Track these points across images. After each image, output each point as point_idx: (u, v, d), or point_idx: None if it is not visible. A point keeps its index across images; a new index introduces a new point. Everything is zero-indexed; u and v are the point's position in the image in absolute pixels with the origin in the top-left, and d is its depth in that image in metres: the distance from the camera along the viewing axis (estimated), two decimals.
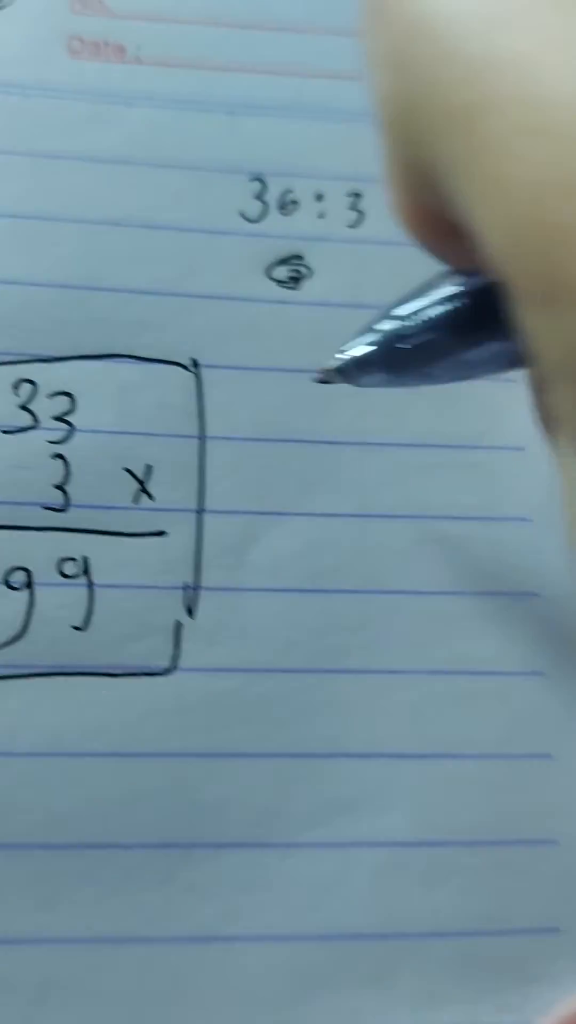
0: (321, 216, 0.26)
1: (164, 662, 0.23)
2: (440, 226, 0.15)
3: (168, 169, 0.26)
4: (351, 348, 0.20)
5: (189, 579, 0.23)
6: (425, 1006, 0.21)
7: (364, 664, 0.23)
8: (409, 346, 0.19)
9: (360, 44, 0.15)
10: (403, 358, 0.19)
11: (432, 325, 0.18)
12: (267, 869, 0.22)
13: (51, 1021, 0.21)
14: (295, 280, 0.26)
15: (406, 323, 0.19)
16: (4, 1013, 0.21)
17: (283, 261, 0.26)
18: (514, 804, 0.23)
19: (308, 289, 0.26)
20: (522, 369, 0.17)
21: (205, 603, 0.23)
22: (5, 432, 0.24)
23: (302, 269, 0.26)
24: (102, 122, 0.26)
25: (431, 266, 0.23)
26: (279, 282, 0.26)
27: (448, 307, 0.18)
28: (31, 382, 0.24)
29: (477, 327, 0.17)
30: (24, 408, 0.24)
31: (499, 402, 0.25)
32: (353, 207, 0.26)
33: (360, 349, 0.20)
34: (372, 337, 0.20)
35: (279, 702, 0.23)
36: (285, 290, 0.26)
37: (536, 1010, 0.22)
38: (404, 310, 0.19)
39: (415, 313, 0.19)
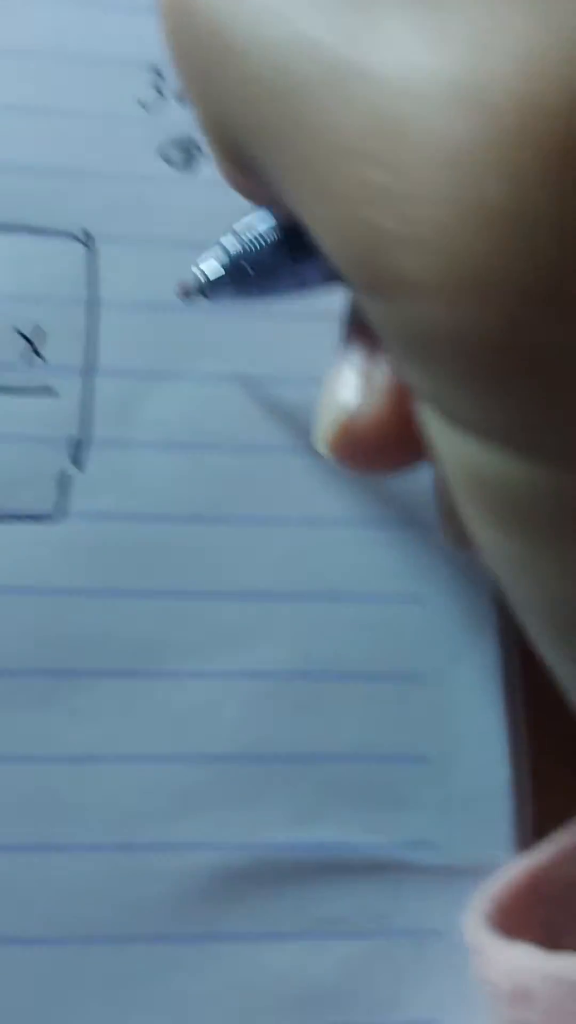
0: None
1: (48, 508, 0.23)
2: (258, 191, 0.16)
3: (69, 59, 0.26)
4: (202, 264, 0.21)
5: (74, 432, 0.24)
6: (296, 825, 0.22)
7: (246, 512, 0.23)
8: (248, 266, 0.19)
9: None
10: (246, 276, 0.20)
11: (267, 245, 0.19)
12: (146, 696, 0.22)
13: None
14: (187, 161, 0.26)
15: (246, 240, 0.19)
16: None
17: (178, 145, 0.26)
18: (384, 642, 0.23)
19: (200, 171, 0.26)
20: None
21: (95, 456, 0.23)
22: None
23: (194, 151, 0.26)
24: (6, 15, 0.27)
25: None
26: (171, 163, 0.26)
27: (273, 224, 0.19)
28: None
29: (305, 246, 0.18)
30: None
31: None
32: None
33: (211, 267, 0.20)
34: (220, 255, 0.20)
35: (162, 548, 0.23)
36: (179, 172, 0.26)
37: (405, 831, 0.22)
38: (243, 226, 0.19)
39: (253, 233, 0.19)
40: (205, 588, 0.23)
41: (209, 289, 0.21)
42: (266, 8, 0.13)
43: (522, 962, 0.18)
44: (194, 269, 0.21)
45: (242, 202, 0.23)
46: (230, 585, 0.23)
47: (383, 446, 0.18)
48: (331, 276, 0.17)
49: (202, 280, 0.20)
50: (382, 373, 0.17)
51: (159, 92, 0.26)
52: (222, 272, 0.20)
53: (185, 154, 0.26)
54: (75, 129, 0.26)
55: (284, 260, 0.19)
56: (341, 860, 0.22)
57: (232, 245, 0.20)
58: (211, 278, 0.20)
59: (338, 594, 0.23)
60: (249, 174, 0.15)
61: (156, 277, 0.25)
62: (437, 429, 0.13)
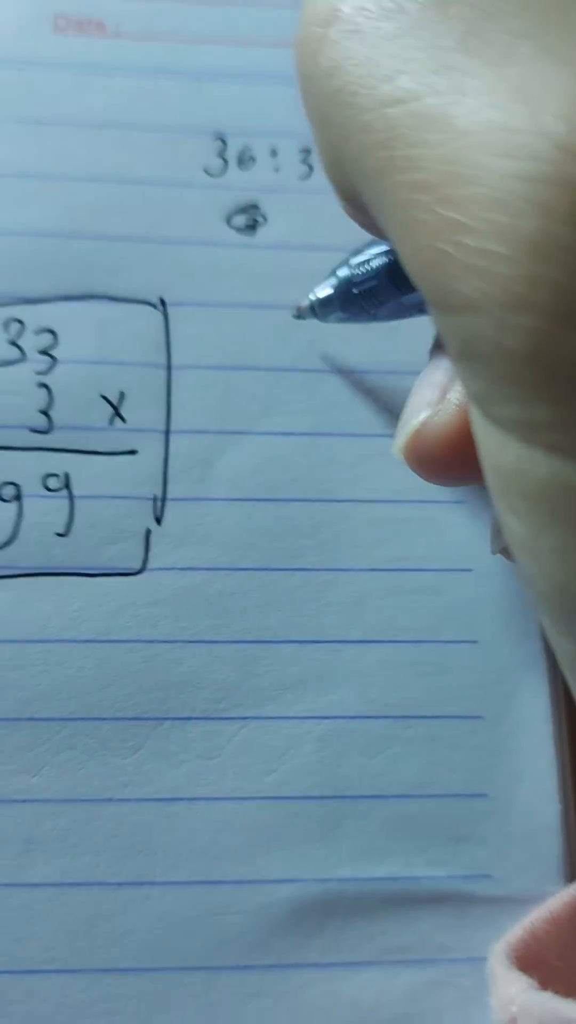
0: (276, 170, 0.26)
1: (136, 564, 0.23)
2: (366, 221, 0.17)
3: (141, 131, 0.26)
4: (316, 291, 0.22)
5: (158, 491, 0.24)
6: (365, 860, 0.22)
7: (314, 563, 0.23)
8: (358, 291, 0.20)
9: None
10: (355, 300, 0.21)
11: (374, 274, 0.20)
12: (226, 739, 0.22)
13: (36, 872, 0.21)
14: (252, 227, 0.26)
15: (356, 271, 0.20)
16: None
17: (242, 210, 0.26)
18: (444, 684, 0.23)
19: (263, 235, 0.26)
20: None
21: (172, 512, 0.23)
22: None
23: (258, 217, 0.26)
24: (84, 90, 0.27)
25: None
26: (238, 229, 0.26)
27: (386, 260, 0.20)
28: (19, 321, 0.24)
29: (407, 278, 0.18)
30: (13, 344, 0.24)
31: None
32: (304, 161, 0.26)
33: (324, 291, 0.22)
34: (332, 281, 0.22)
35: (238, 596, 0.23)
36: (243, 236, 0.26)
37: (463, 865, 0.22)
38: (356, 259, 0.21)
39: (363, 263, 0.20)
40: (277, 636, 0.23)
41: (320, 310, 0.22)
42: (377, 68, 0.14)
43: (513, 994, 0.18)
44: (310, 294, 0.22)
45: (302, 265, 0.23)
46: (301, 633, 0.23)
47: (449, 455, 0.18)
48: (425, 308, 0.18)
49: (314, 302, 0.22)
50: (458, 391, 0.18)
51: (223, 159, 0.26)
52: (331, 295, 0.21)
53: (249, 219, 0.25)
54: (146, 197, 0.26)
55: (388, 288, 0.20)
56: (407, 893, 0.22)
57: (343, 273, 0.21)
58: (321, 300, 0.22)
59: (401, 639, 0.23)
60: (362, 210, 0.16)
61: (225, 339, 0.25)
62: (480, 430, 0.14)
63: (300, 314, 0.23)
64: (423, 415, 0.18)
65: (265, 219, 0.26)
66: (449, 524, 0.24)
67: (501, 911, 0.21)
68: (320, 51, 0.15)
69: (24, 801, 0.21)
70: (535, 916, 0.20)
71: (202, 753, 0.22)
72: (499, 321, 0.12)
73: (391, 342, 0.25)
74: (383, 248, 0.20)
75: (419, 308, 0.20)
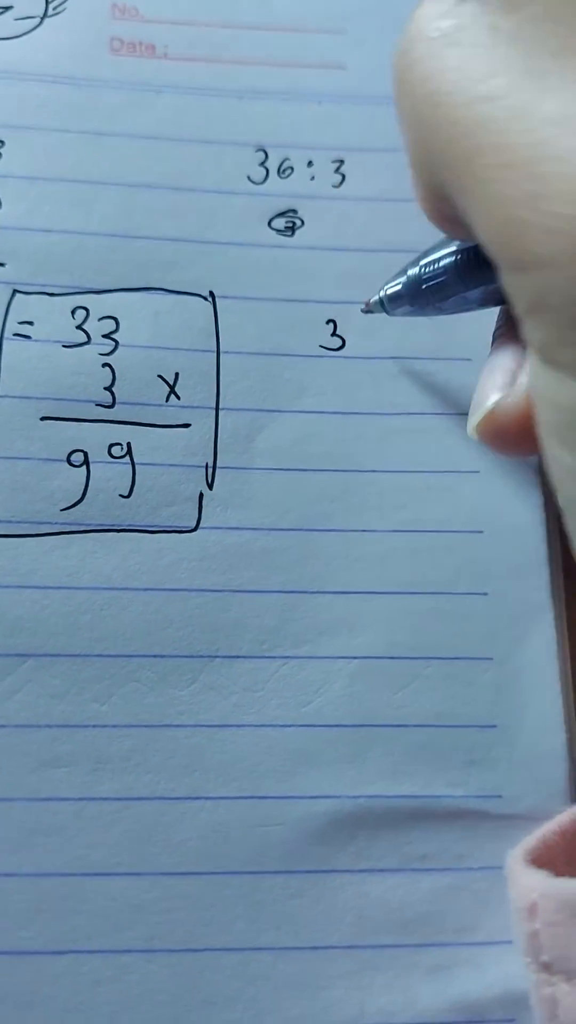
0: (312, 179, 0.29)
1: (190, 523, 0.25)
2: (448, 216, 0.19)
3: (190, 143, 0.29)
4: (387, 286, 0.24)
5: (209, 460, 0.26)
6: (390, 780, 0.24)
7: (343, 525, 0.26)
8: (426, 287, 0.23)
9: (394, 105, 0.19)
10: (423, 295, 0.23)
11: (443, 271, 0.22)
12: (268, 675, 0.24)
13: (105, 788, 0.23)
14: (291, 229, 0.28)
15: (425, 269, 0.23)
16: (68, 781, 0.23)
17: (281, 214, 0.28)
18: (459, 629, 0.25)
19: (301, 237, 0.28)
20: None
21: (221, 478, 0.26)
22: (66, 347, 0.26)
23: (296, 221, 0.28)
24: (137, 107, 0.29)
25: (398, 221, 0.27)
26: (278, 231, 0.28)
27: (454, 259, 0.22)
28: (85, 309, 0.27)
29: (473, 274, 0.21)
30: (80, 328, 0.27)
31: (451, 323, 0.28)
32: (337, 171, 0.29)
33: (392, 287, 0.24)
34: (402, 279, 0.24)
35: (278, 552, 0.25)
36: (283, 237, 0.28)
37: (477, 786, 0.24)
38: (425, 259, 0.23)
39: (432, 262, 0.22)
40: (313, 587, 0.25)
41: (389, 304, 0.24)
42: (470, 73, 0.16)
43: (532, 883, 0.21)
44: (379, 291, 0.24)
45: (334, 264, 0.26)
46: (333, 584, 0.25)
47: (520, 433, 0.20)
48: (488, 300, 0.21)
49: (383, 297, 0.24)
50: (526, 374, 0.20)
51: (264, 169, 0.28)
52: (400, 290, 0.24)
53: (288, 222, 0.28)
54: (196, 202, 0.28)
55: (456, 283, 0.22)
56: (428, 809, 0.24)
57: (413, 272, 0.23)
58: (391, 295, 0.24)
59: (420, 590, 0.25)
60: (442, 203, 0.18)
61: (266, 328, 0.27)
62: (541, 376, 0.16)
63: (369, 308, 0.26)
64: (495, 397, 0.20)
65: (302, 222, 0.28)
66: (463, 491, 0.26)
67: (510, 826, 0.24)
68: (421, 60, 0.17)
69: (95, 726, 0.24)
70: (546, 828, 0.22)
71: (248, 686, 0.24)
72: (569, 274, 0.14)
73: (411, 336, 0.27)
74: (451, 249, 0.22)
75: (480, 302, 0.22)
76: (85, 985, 0.22)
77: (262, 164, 0.28)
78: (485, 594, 0.25)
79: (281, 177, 0.28)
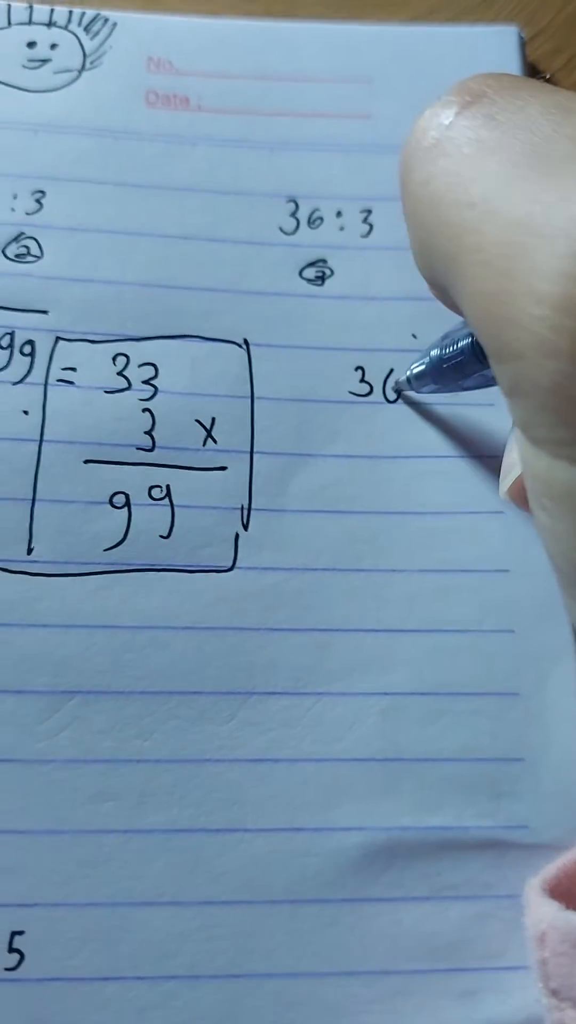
0: (341, 229, 0.30)
1: (227, 563, 0.26)
2: (452, 304, 0.20)
3: (223, 194, 0.30)
4: (413, 366, 0.26)
5: (244, 502, 0.27)
6: (421, 812, 0.25)
7: (373, 566, 0.26)
8: (447, 366, 0.24)
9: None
10: (445, 373, 0.24)
11: (461, 351, 0.23)
12: (304, 711, 0.25)
13: (148, 821, 0.24)
14: (321, 279, 0.29)
15: (446, 350, 0.24)
16: (113, 814, 0.24)
17: (311, 264, 0.29)
18: (486, 666, 0.26)
19: (330, 286, 0.29)
20: None
21: (256, 520, 0.27)
22: (107, 392, 0.27)
23: (326, 270, 0.29)
24: (173, 159, 0.30)
25: None
26: (308, 280, 0.29)
27: (469, 340, 0.23)
28: (125, 355, 0.28)
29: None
30: (120, 374, 0.27)
31: None
32: (365, 221, 0.30)
33: (418, 367, 0.26)
34: (425, 359, 0.25)
35: (311, 593, 0.26)
36: (313, 287, 0.29)
37: (504, 817, 0.25)
38: (446, 340, 0.24)
39: (451, 343, 0.24)
40: (344, 626, 0.26)
41: (415, 383, 0.26)
42: (458, 180, 0.17)
43: (543, 913, 0.22)
44: (407, 371, 0.26)
45: (363, 313, 0.27)
46: (364, 623, 0.26)
47: None
48: None
49: (410, 376, 0.26)
50: None
51: (295, 219, 0.29)
52: (424, 370, 0.25)
53: (318, 272, 0.29)
54: (230, 253, 0.29)
55: (472, 362, 0.23)
56: (457, 839, 0.25)
57: (435, 352, 0.24)
58: (416, 374, 0.25)
59: (447, 629, 0.26)
60: (438, 285, 0.19)
61: (299, 376, 0.28)
62: (523, 448, 0.17)
63: (399, 387, 0.27)
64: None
65: (332, 272, 0.29)
66: (488, 532, 0.27)
67: (536, 855, 0.24)
68: (420, 167, 0.19)
69: (138, 761, 0.24)
70: (566, 858, 0.23)
71: (284, 722, 0.25)
72: (536, 364, 0.15)
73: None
74: (467, 331, 0.23)
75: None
76: (131, 1011, 0.23)
77: (293, 215, 0.29)
78: (511, 632, 0.26)
79: (311, 227, 0.29)
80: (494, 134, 0.18)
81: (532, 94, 0.18)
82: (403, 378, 0.27)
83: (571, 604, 0.18)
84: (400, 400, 0.28)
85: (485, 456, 0.27)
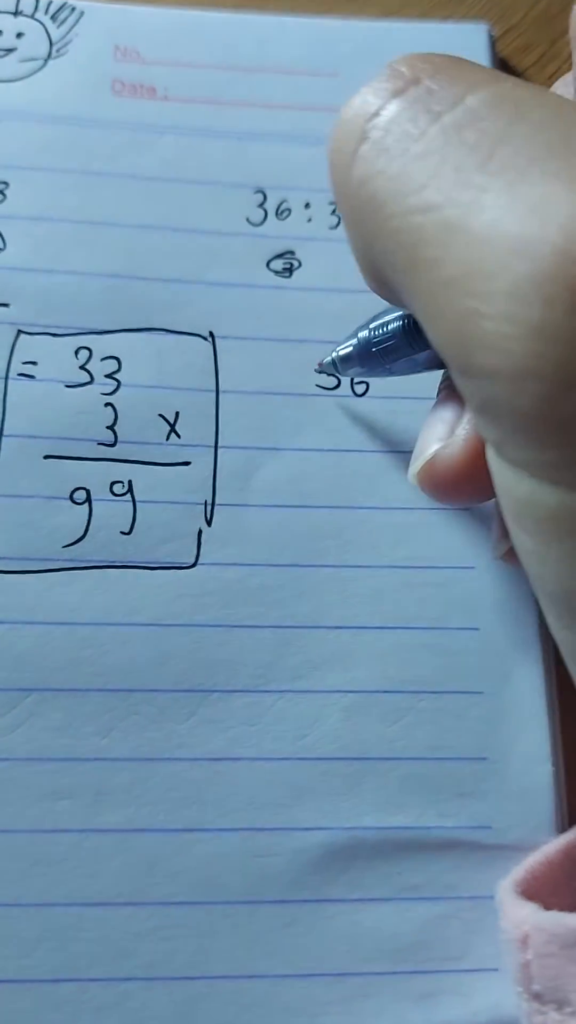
0: (309, 220, 0.29)
1: (189, 559, 0.26)
2: (391, 297, 0.19)
3: (190, 184, 0.29)
4: (339, 348, 0.25)
5: (208, 497, 0.26)
6: (383, 811, 0.24)
7: (338, 561, 0.26)
8: (376, 349, 0.23)
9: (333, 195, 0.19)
10: (373, 357, 0.24)
11: (392, 335, 0.23)
12: (265, 708, 0.25)
13: (106, 820, 0.24)
14: (288, 271, 0.29)
15: (375, 332, 0.23)
16: (69, 813, 0.24)
17: (279, 256, 0.29)
18: (450, 664, 0.25)
19: (298, 278, 0.29)
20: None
21: (220, 515, 0.26)
22: (68, 386, 0.27)
23: (294, 262, 0.29)
24: (138, 148, 0.29)
25: None
26: (276, 272, 0.29)
27: (401, 323, 0.22)
28: (88, 349, 0.27)
29: (420, 338, 0.22)
30: (83, 368, 0.27)
31: None
32: (334, 213, 0.29)
33: (344, 349, 0.25)
34: (353, 341, 0.24)
35: (275, 588, 0.26)
36: (281, 278, 0.29)
37: (467, 817, 0.25)
38: (375, 323, 0.23)
39: (382, 325, 0.23)
40: (308, 622, 0.26)
41: (340, 365, 0.25)
42: (405, 183, 0.16)
43: (524, 915, 0.21)
44: (331, 352, 0.25)
45: (331, 305, 0.27)
46: (328, 619, 0.26)
47: (457, 482, 0.21)
48: (435, 363, 0.22)
49: (335, 358, 0.25)
50: (463, 428, 0.21)
51: (263, 211, 0.29)
52: (351, 352, 0.24)
53: (286, 264, 0.29)
54: (196, 244, 0.29)
55: (403, 347, 0.23)
56: (420, 840, 0.24)
57: (363, 334, 0.24)
58: (341, 357, 0.25)
59: (412, 625, 0.26)
60: (384, 287, 0.18)
61: (264, 368, 0.28)
62: (496, 467, 0.16)
63: (321, 369, 0.26)
64: (434, 447, 0.21)
65: (300, 264, 0.29)
66: (454, 528, 0.27)
67: (499, 856, 0.24)
68: (353, 164, 0.17)
69: (96, 759, 0.24)
70: (533, 859, 0.23)
71: (245, 720, 0.25)
72: (512, 387, 0.15)
73: (401, 378, 0.28)
74: (399, 313, 0.23)
75: (427, 365, 0.23)
76: (87, 1012, 0.22)
77: (261, 206, 0.29)
78: (476, 629, 0.26)
79: (279, 219, 0.29)
80: (435, 128, 0.16)
81: (472, 82, 0.16)
82: (327, 360, 0.26)
83: (557, 626, 0.17)
84: (366, 395, 0.28)
85: None
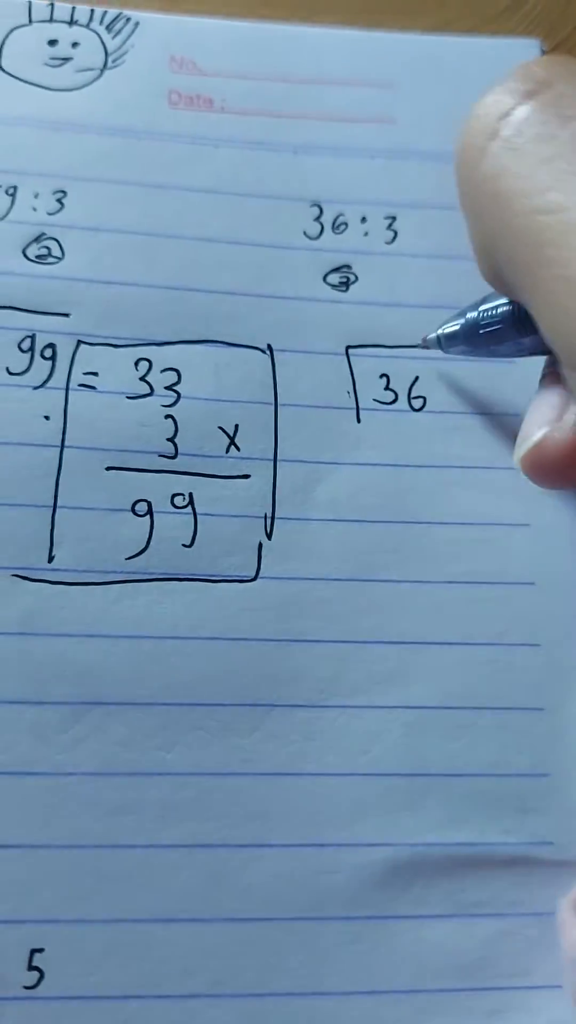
0: (365, 235, 0.29)
1: (250, 572, 0.26)
2: (506, 290, 0.19)
3: (247, 197, 0.29)
4: (445, 325, 0.25)
5: (268, 511, 0.26)
6: (446, 828, 0.24)
7: (398, 576, 0.26)
8: (483, 331, 0.23)
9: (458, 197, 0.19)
10: (477, 337, 0.24)
11: (500, 319, 0.23)
12: (327, 723, 0.25)
13: (170, 835, 0.23)
14: (345, 284, 0.29)
15: (483, 315, 0.23)
16: (135, 828, 0.23)
17: (336, 269, 0.29)
18: (511, 680, 0.25)
19: (355, 292, 0.29)
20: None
21: (280, 529, 0.26)
22: (129, 398, 0.27)
23: (350, 276, 0.29)
24: (196, 160, 0.29)
25: (448, 278, 0.28)
26: (332, 286, 0.29)
27: (510, 309, 0.23)
28: (148, 360, 0.27)
29: (527, 326, 0.21)
30: (143, 380, 0.27)
31: (499, 379, 0.28)
32: (390, 227, 0.29)
33: (451, 327, 0.25)
34: (460, 320, 0.24)
35: (334, 602, 0.25)
36: (337, 292, 0.29)
37: (529, 834, 0.25)
38: (484, 305, 0.23)
39: (491, 308, 0.23)
40: (368, 637, 0.25)
41: (445, 342, 0.25)
42: (532, 183, 0.17)
43: None
44: (438, 329, 0.25)
45: (388, 317, 0.27)
46: (388, 635, 0.25)
47: (563, 466, 0.21)
48: (539, 349, 0.22)
49: (441, 335, 0.25)
50: (572, 411, 0.21)
51: (320, 224, 0.29)
52: (458, 331, 0.25)
53: (342, 277, 0.28)
54: (254, 257, 0.28)
55: (510, 331, 0.23)
56: (482, 856, 0.24)
57: (472, 315, 0.24)
58: (448, 334, 0.25)
59: (473, 641, 0.26)
60: (499, 280, 0.19)
61: (322, 382, 0.27)
62: None
63: (426, 344, 0.26)
64: (543, 431, 0.21)
65: (356, 278, 0.28)
66: (514, 544, 0.27)
67: (562, 872, 0.24)
68: (483, 160, 0.18)
69: (160, 774, 0.24)
70: None
71: (307, 735, 0.24)
72: None
73: (460, 391, 0.28)
74: (508, 300, 0.23)
75: (532, 350, 0.23)
76: None
77: (317, 219, 0.29)
78: (537, 645, 0.26)
79: (335, 233, 0.29)
80: (566, 133, 0.17)
81: None
82: (433, 335, 0.26)
83: None
84: (423, 410, 0.27)
85: (511, 468, 0.26)
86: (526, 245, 0.17)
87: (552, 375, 0.22)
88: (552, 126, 0.17)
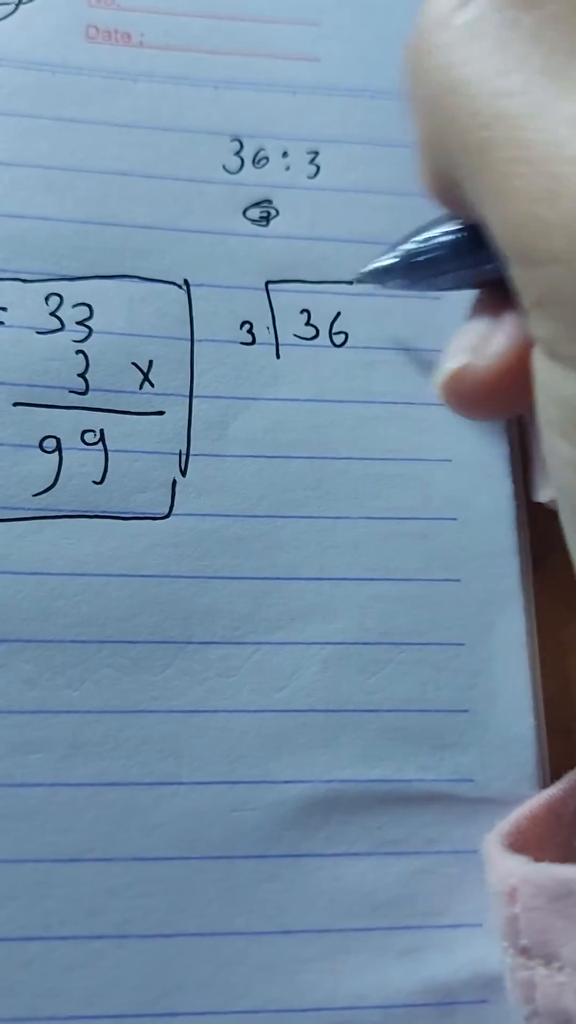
0: (286, 169, 0.28)
1: (163, 509, 0.25)
2: (454, 200, 0.18)
3: (165, 131, 0.28)
4: (380, 260, 0.24)
5: (183, 447, 0.25)
6: (363, 764, 0.23)
7: (317, 512, 0.25)
8: (421, 260, 0.22)
9: (403, 90, 0.18)
10: (415, 270, 0.23)
11: (439, 247, 0.22)
12: (242, 660, 0.24)
13: (78, 773, 0.23)
14: (265, 219, 0.28)
15: (421, 245, 0.22)
16: (40, 767, 0.22)
17: (256, 204, 0.28)
18: (431, 615, 0.25)
19: (275, 226, 0.28)
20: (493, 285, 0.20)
21: (195, 465, 0.25)
22: (39, 333, 0.26)
23: (271, 211, 0.28)
24: (113, 94, 0.28)
25: (371, 212, 0.26)
26: (252, 220, 0.28)
27: (450, 237, 0.21)
28: (59, 295, 0.26)
29: (468, 253, 0.21)
30: (53, 315, 0.26)
31: (425, 314, 0.27)
32: (312, 162, 0.28)
33: (386, 260, 0.24)
34: (396, 253, 0.23)
35: (251, 539, 0.25)
36: (257, 227, 0.28)
37: (449, 770, 0.24)
38: (420, 236, 0.22)
39: (428, 238, 0.22)
40: (286, 574, 0.25)
41: (382, 276, 0.24)
42: (492, 66, 0.16)
43: (512, 868, 0.20)
44: (371, 263, 0.24)
45: (309, 252, 0.25)
46: (306, 571, 0.25)
47: (489, 393, 0.20)
48: (477, 279, 0.21)
49: (376, 268, 0.24)
50: (501, 337, 0.20)
51: (240, 159, 0.28)
52: (395, 263, 0.23)
53: (262, 212, 0.27)
54: (171, 191, 0.27)
55: (451, 260, 0.22)
56: (400, 793, 0.23)
57: (405, 246, 0.23)
58: (385, 267, 0.24)
59: (392, 576, 0.25)
60: (449, 186, 0.18)
61: (240, 317, 0.26)
62: (544, 370, 0.16)
63: (361, 279, 0.25)
64: (464, 359, 0.20)
65: (277, 212, 0.27)
66: (436, 479, 0.26)
67: (481, 810, 0.23)
68: (438, 48, 0.17)
69: (68, 712, 0.23)
70: (518, 813, 0.22)
71: (221, 672, 0.24)
72: None
73: (383, 326, 0.27)
74: (446, 228, 0.22)
75: (472, 279, 0.22)
76: (57, 971, 0.21)
77: (237, 154, 0.28)
78: (457, 580, 0.25)
79: (256, 167, 0.28)
80: (534, 17, 0.16)
81: None
82: (367, 269, 0.25)
83: None
84: (345, 345, 0.26)
85: (433, 404, 0.26)
86: (482, 128, 0.16)
87: (480, 305, 0.21)
88: (516, 11, 0.16)
